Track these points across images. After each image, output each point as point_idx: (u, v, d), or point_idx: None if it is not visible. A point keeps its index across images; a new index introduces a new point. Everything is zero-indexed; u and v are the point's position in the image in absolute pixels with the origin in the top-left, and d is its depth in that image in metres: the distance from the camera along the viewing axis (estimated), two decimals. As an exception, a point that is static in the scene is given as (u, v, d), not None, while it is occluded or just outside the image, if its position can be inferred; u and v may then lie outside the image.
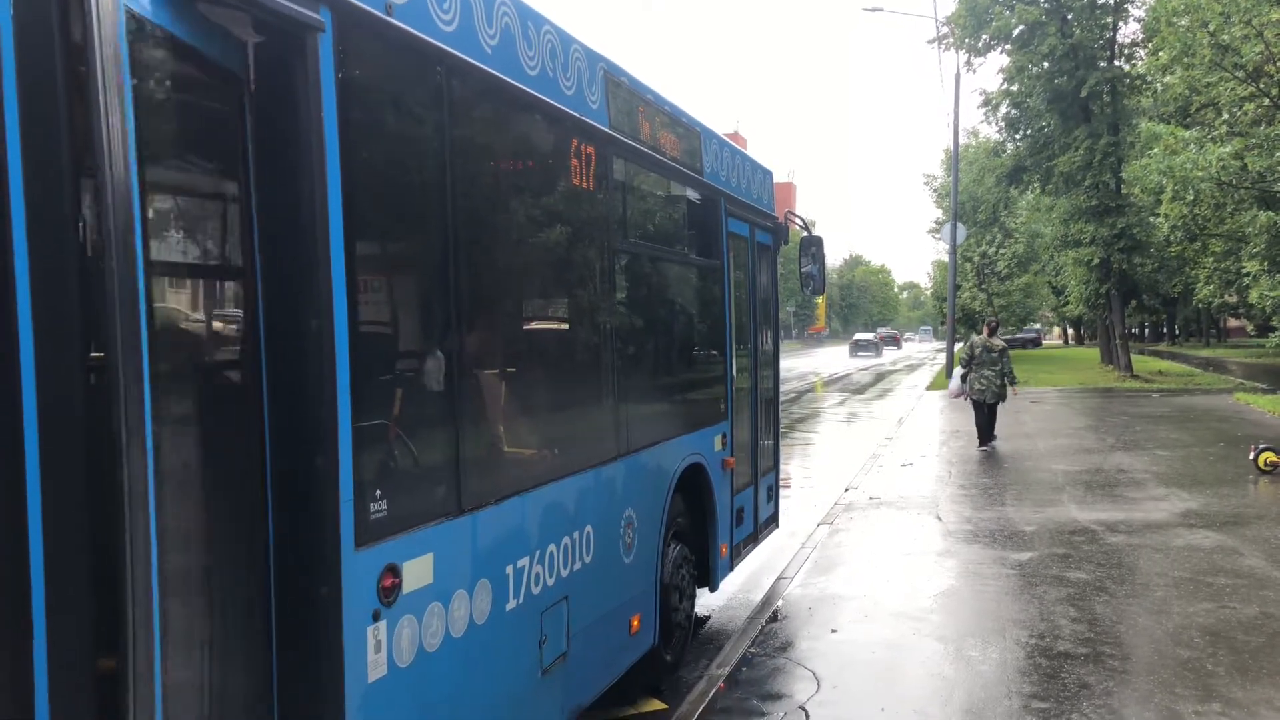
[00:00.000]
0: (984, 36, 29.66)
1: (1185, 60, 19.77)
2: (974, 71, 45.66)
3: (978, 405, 14.40)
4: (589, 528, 4.35)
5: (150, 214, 2.16)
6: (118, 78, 1.87)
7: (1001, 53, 30.47)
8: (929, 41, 32.30)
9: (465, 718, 3.32)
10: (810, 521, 9.95)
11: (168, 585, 2.08)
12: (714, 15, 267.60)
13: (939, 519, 9.49)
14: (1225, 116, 19.80)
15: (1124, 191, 28.01)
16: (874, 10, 30.56)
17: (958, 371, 15.06)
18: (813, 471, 13.14)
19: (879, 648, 5.87)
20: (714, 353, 6.53)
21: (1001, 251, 50.82)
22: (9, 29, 1.84)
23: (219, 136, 2.50)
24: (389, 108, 3.11)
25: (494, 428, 3.74)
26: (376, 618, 2.76)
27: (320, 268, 2.56)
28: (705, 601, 6.85)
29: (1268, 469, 11.44)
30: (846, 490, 11.38)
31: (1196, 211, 20.89)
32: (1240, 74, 18.94)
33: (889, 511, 10.00)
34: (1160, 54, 21.66)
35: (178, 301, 2.55)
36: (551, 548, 3.98)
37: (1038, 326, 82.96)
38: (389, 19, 2.90)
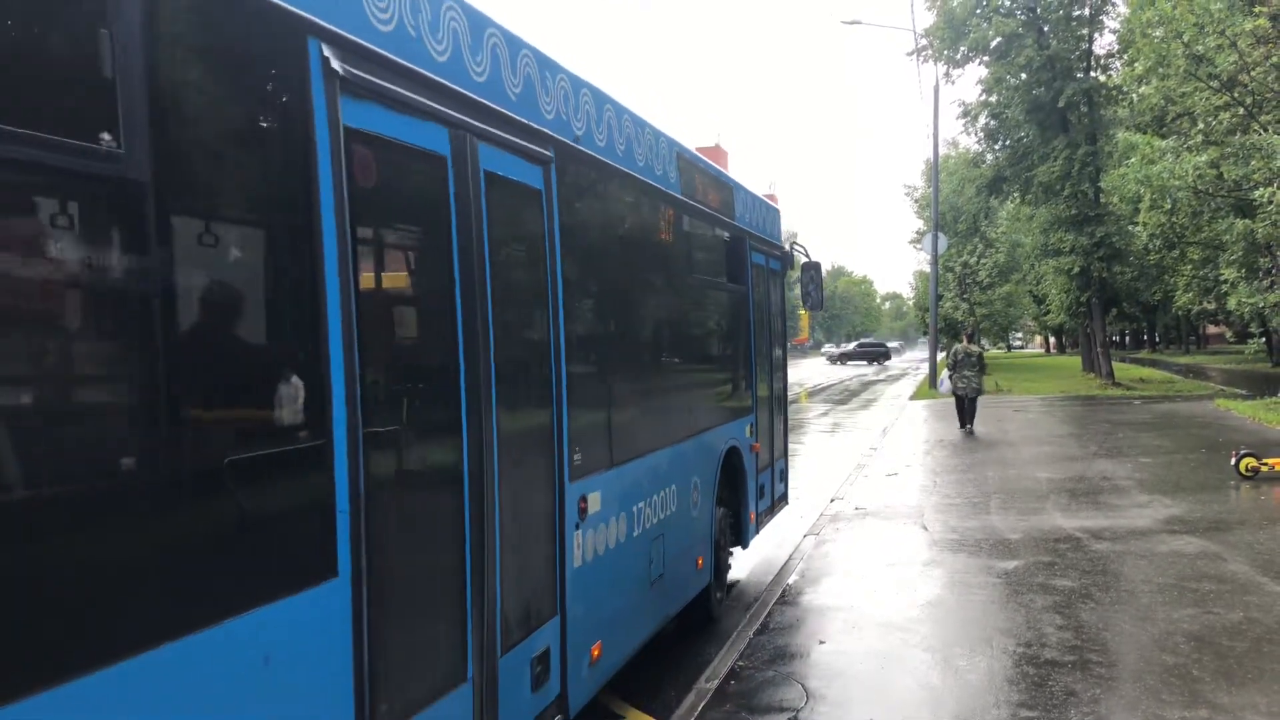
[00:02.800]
0: (962, 48, 29.92)
1: (1160, 71, 20.00)
2: (953, 83, 46.03)
3: (959, 399, 18.04)
4: (674, 486, 6.01)
5: (499, 289, 3.76)
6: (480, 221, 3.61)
7: (980, 64, 30.74)
8: (908, 54, 32.57)
9: (614, 602, 5.03)
10: (797, 533, 9.95)
11: (503, 507, 3.70)
12: (695, 28, 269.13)
13: (925, 528, 9.51)
14: (1201, 126, 20.02)
15: (1103, 200, 28.25)
16: (853, 23, 30.90)
17: (945, 373, 18.59)
18: (798, 482, 13.11)
19: (867, 658, 5.87)
20: (744, 359, 8.11)
21: (983, 261, 51.10)
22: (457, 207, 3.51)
23: (533, 238, 4.25)
24: (592, 202, 5.08)
25: (627, 413, 5.39)
26: (577, 528, 4.47)
27: (553, 315, 4.31)
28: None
29: (1249, 474, 11.53)
30: (832, 501, 11.39)
31: (1174, 220, 21.07)
32: (1215, 84, 19.16)
33: (875, 522, 10.01)
34: (1135, 65, 21.92)
35: (521, 338, 4.16)
36: (655, 497, 5.65)
37: (888, 342, 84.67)
38: (586, 150, 4.77)
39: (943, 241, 33.57)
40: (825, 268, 11.82)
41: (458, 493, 3.44)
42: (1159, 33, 19.28)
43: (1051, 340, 78.61)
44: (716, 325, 7.46)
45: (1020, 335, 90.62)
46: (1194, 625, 6.18)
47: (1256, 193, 16.81)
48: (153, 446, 2.24)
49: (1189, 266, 27.67)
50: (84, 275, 2.08)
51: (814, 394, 33.99)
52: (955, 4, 29.78)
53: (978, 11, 29.39)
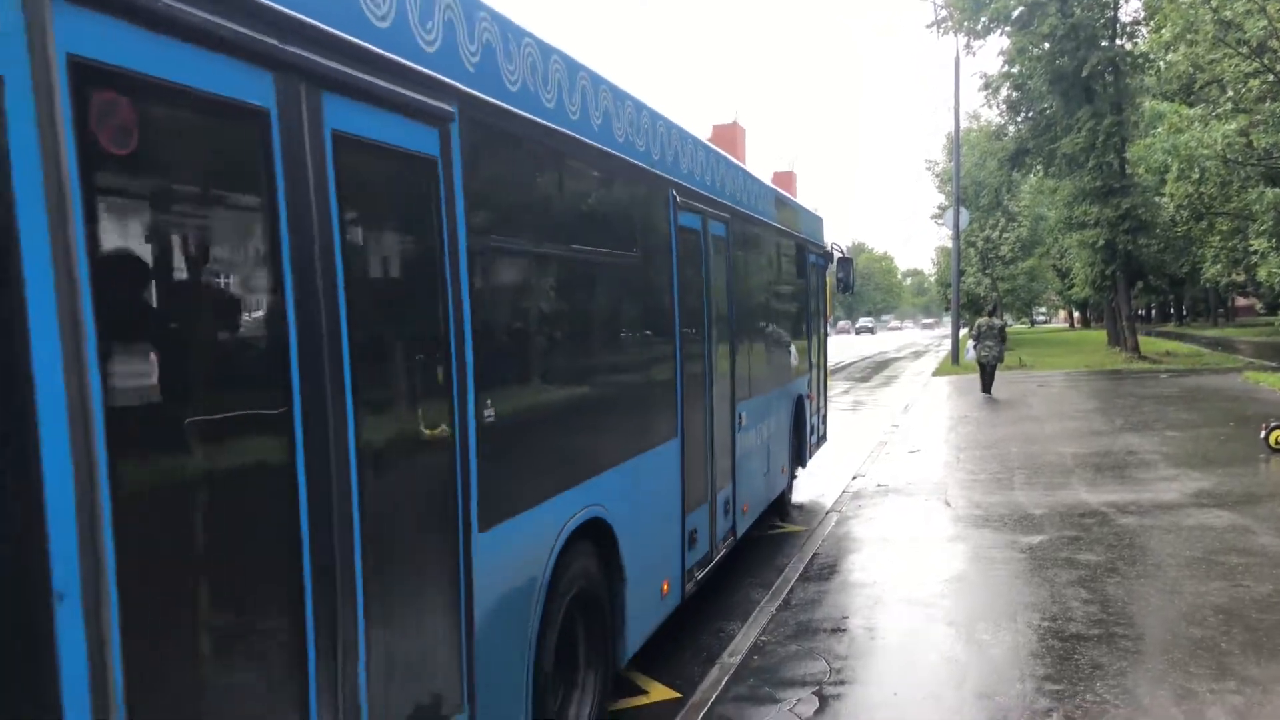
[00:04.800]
0: (983, 19, 29.49)
1: (1188, 37, 19.62)
2: (974, 55, 45.57)
3: (982, 366, 20.24)
4: (773, 417, 8.81)
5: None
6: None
7: (1001, 35, 30.30)
8: (928, 26, 32.11)
9: (753, 480, 7.84)
10: (820, 510, 9.93)
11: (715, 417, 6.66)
12: (711, 4, 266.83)
13: (948, 504, 9.46)
14: (1230, 93, 19.67)
15: (1128, 172, 27.84)
16: (873, -5, 30.41)
17: (970, 343, 21.21)
18: (821, 459, 13.09)
19: (891, 633, 5.85)
20: (806, 333, 11.03)
21: (1005, 235, 50.64)
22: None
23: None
24: (752, 245, 8.37)
25: (756, 368, 8.09)
26: (739, 431, 7.23)
27: (734, 307, 7.32)
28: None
29: (1278, 447, 11.38)
30: (855, 478, 11.35)
31: (1202, 190, 20.76)
32: (1244, 50, 18.79)
33: (898, 498, 9.97)
34: (1162, 31, 21.50)
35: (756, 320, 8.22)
36: (767, 420, 8.45)
37: (871, 321, 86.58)
38: (770, 221, 8.88)
39: (965, 216, 33.20)
40: (845, 244, 14.21)
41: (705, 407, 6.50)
42: (1186, -1, 18.94)
43: (1076, 315, 77.87)
44: (794, 309, 10.47)
45: (1044, 310, 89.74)
46: (1222, 598, 6.11)
47: (1287, 161, 16.51)
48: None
49: (1217, 237, 27.26)
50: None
51: (835, 371, 33.87)
52: (976, -27, 29.33)
53: (999, -20, 28.95)
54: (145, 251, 2.12)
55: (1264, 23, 17.80)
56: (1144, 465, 11.09)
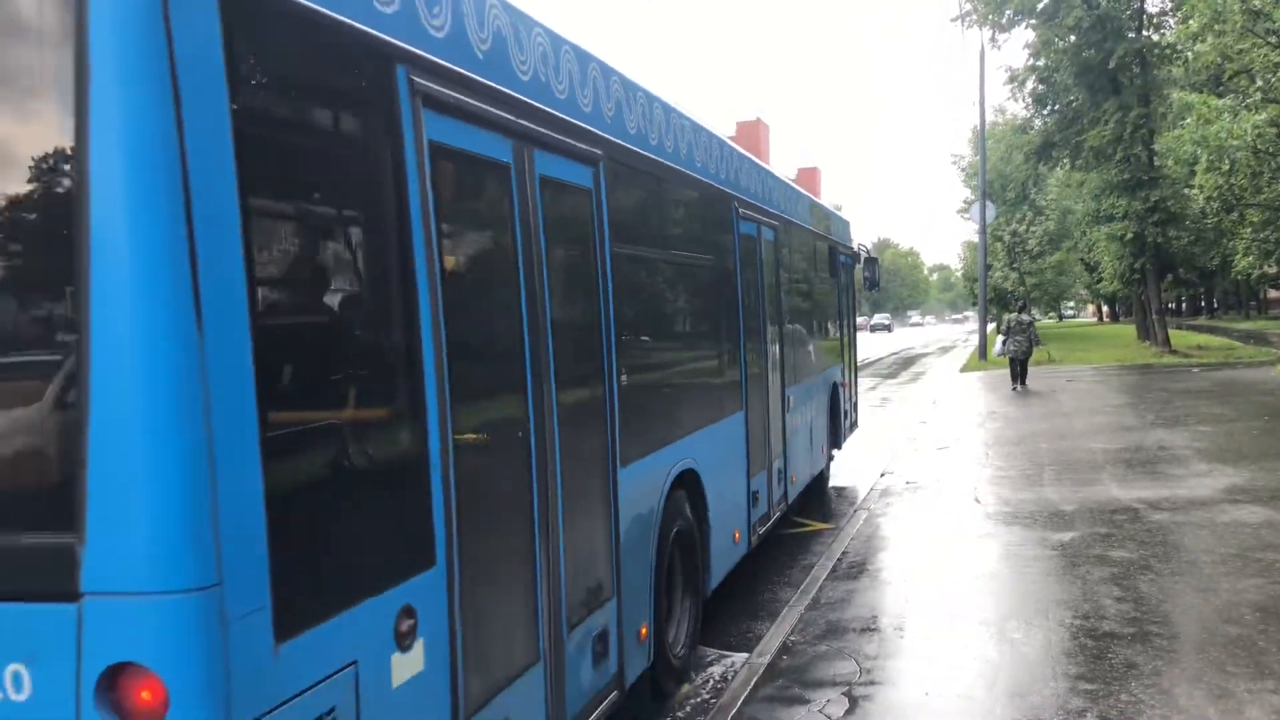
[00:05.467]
0: (1008, 12, 29.18)
1: (1216, 27, 19.35)
2: (999, 48, 45.11)
3: (1012, 360, 20.55)
4: (814, 400, 9.92)
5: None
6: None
7: (1026, 27, 29.98)
8: (952, 19, 31.87)
9: (799, 456, 8.79)
10: (848, 507, 9.90)
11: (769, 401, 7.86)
12: (737, 2, 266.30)
13: (977, 501, 9.40)
14: (1259, 83, 19.35)
15: (1157, 164, 27.49)
16: (895, -10, 30.18)
17: (1000, 339, 21.76)
18: (848, 456, 13.06)
19: (921, 633, 5.82)
20: (840, 326, 12.20)
21: (1032, 229, 50.11)
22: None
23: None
24: (795, 248, 9.44)
25: (800, 357, 9.19)
26: (786, 412, 8.31)
27: (780, 303, 8.40)
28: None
29: (1314, 441, 11.21)
30: (883, 475, 11.30)
31: (1233, 181, 20.49)
32: (1273, 39, 18.52)
33: (926, 495, 9.91)
34: (1190, 22, 21.20)
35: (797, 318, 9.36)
36: (809, 403, 9.52)
37: (886, 318, 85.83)
38: (808, 226, 10.22)
39: (991, 210, 32.93)
40: (871, 240, 17.06)
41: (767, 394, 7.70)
42: (1214, -12, 18.67)
43: (1104, 309, 76.99)
44: (829, 304, 11.53)
45: (1072, 304, 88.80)
46: (1259, 596, 6.03)
47: (1320, 151, 16.25)
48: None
49: (1248, 229, 26.86)
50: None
51: (861, 368, 33.59)
52: (1000, -33, 29.05)
53: (1024, -27, 28.66)
54: (462, 263, 3.37)
55: (1295, 11, 17.55)
56: (1176, 461, 10.96)
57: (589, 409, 4.26)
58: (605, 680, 4.27)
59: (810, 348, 9.95)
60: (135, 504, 1.98)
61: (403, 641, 2.65)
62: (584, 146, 4.19)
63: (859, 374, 14.58)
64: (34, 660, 2.03)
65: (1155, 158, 27.23)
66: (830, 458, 11.05)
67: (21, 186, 2.11)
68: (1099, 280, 50.31)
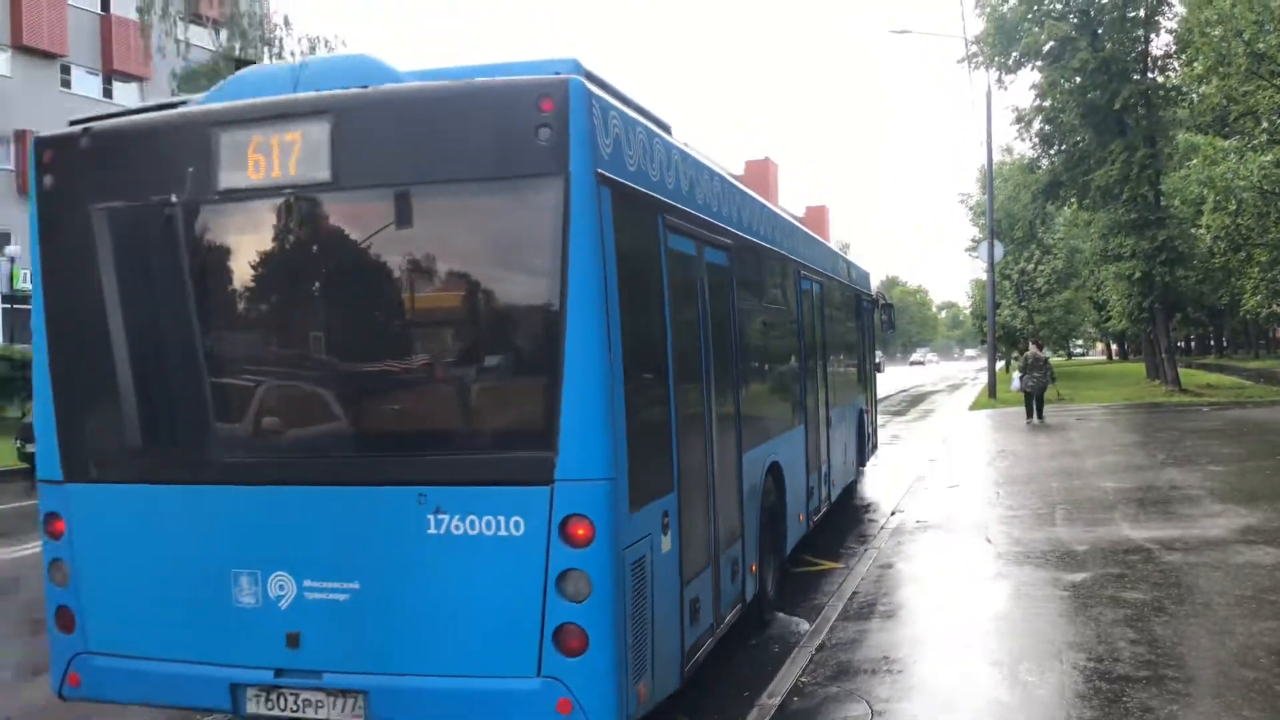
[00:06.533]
0: (1014, 54, 29.48)
1: (1221, 70, 19.55)
2: (1005, 89, 45.42)
3: (1028, 396, 21.93)
4: (847, 422, 11.96)
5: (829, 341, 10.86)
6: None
7: (1032, 69, 30.26)
8: (958, 61, 32.23)
9: (836, 467, 10.86)
10: (858, 546, 9.86)
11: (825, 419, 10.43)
12: (745, 42, 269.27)
13: (989, 541, 9.35)
14: (1265, 125, 19.50)
15: (1163, 204, 27.60)
16: (902, 32, 30.60)
17: (1016, 374, 23.40)
18: (859, 494, 13.02)
19: (933, 674, 5.78)
20: (863, 364, 14.21)
21: (1040, 268, 50.17)
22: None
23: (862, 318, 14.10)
24: (826, 292, 11.06)
25: (837, 385, 11.27)
26: (830, 424, 10.59)
27: (814, 344, 10.08)
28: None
29: (1327, 482, 11.14)
30: (893, 514, 11.26)
31: (1239, 221, 20.57)
32: (1279, 82, 18.66)
33: (938, 534, 9.87)
34: (1195, 65, 21.44)
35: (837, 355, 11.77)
36: (844, 425, 11.62)
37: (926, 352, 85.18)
38: (852, 284, 13.41)
39: (999, 249, 33.02)
40: (879, 278, 17.07)
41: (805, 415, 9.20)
42: (1218, 31, 18.87)
43: (1114, 347, 76.77)
44: (856, 342, 13.65)
45: (1081, 342, 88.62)
46: (1275, 639, 5.98)
47: (1327, 191, 16.32)
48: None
49: (1256, 269, 26.87)
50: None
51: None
52: (1005, 9, 29.39)
53: (1029, 16, 28.98)
54: (680, 313, 5.36)
55: (1299, 53, 17.71)
56: (1188, 500, 10.90)
57: (730, 410, 6.30)
58: (736, 592, 6.24)
59: (845, 378, 12.24)
60: (582, 439, 4.09)
61: (665, 529, 4.80)
62: (724, 240, 6.36)
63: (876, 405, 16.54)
64: (527, 513, 4.12)
65: (1162, 198, 27.34)
66: (860, 473, 13.52)
67: (534, 293, 4.31)
68: (1107, 319, 50.27)
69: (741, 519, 6.39)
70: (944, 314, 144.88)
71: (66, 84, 39.18)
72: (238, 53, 32.95)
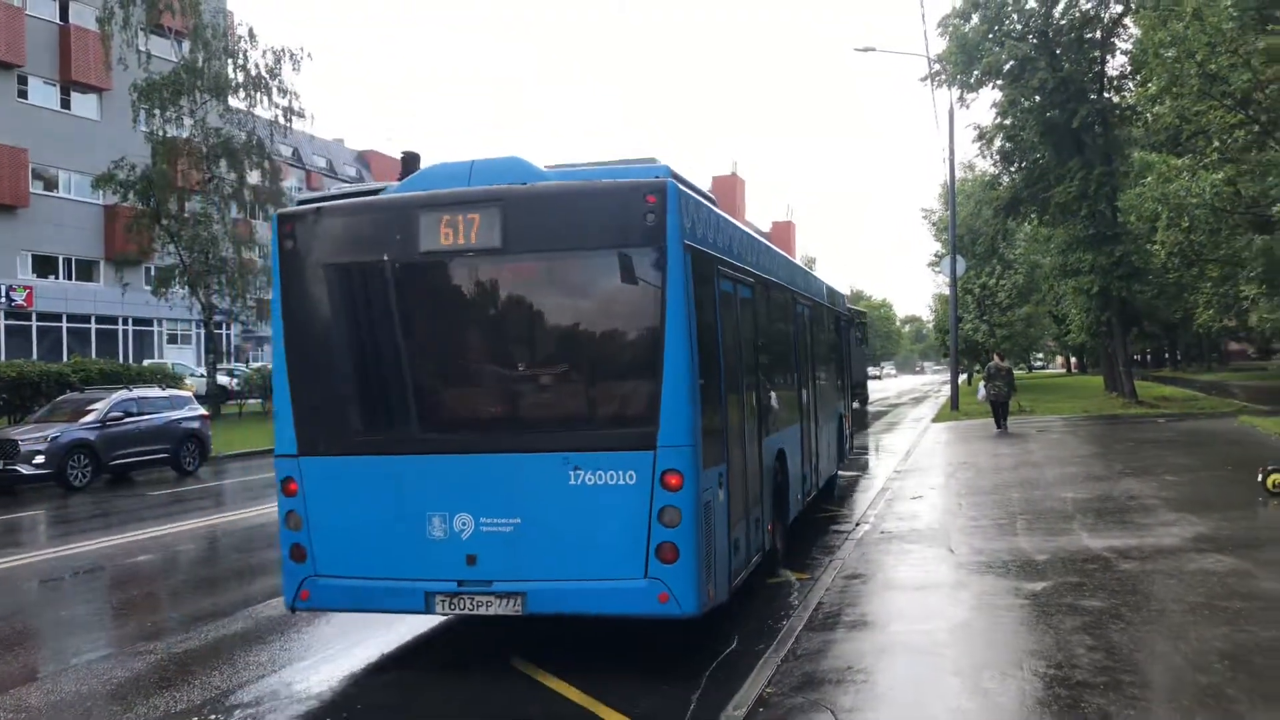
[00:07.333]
0: (975, 72, 30.07)
1: (1174, 90, 19.98)
2: (967, 107, 46.36)
3: (993, 404, 23.06)
4: (830, 424, 13.71)
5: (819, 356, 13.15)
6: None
7: (993, 88, 30.88)
8: (921, 79, 32.73)
9: (823, 459, 12.76)
10: (823, 556, 9.94)
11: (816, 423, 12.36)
12: (711, 58, 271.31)
13: (951, 551, 9.48)
14: (1216, 143, 19.97)
15: (1120, 220, 28.20)
16: (866, 50, 30.97)
17: (982, 384, 24.23)
18: (824, 506, 13.12)
19: (897, 684, 5.85)
20: (842, 374, 15.83)
21: (1001, 283, 50.97)
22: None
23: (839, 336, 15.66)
24: (818, 315, 13.49)
25: (824, 392, 13.22)
26: (818, 424, 12.42)
27: (803, 360, 11.83)
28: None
29: (1276, 491, 11.42)
30: (858, 525, 11.36)
31: (1193, 237, 21.03)
32: (1229, 102, 19.16)
33: (902, 545, 9.98)
34: (1149, 85, 21.93)
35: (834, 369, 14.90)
36: (828, 426, 13.41)
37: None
38: (834, 307, 15.29)
39: (961, 264, 33.50)
40: (846, 292, 18.79)
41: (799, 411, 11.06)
42: (1171, 53, 19.32)
43: (1073, 360, 78.03)
44: (836, 356, 15.13)
45: (1040, 356, 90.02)
46: (1227, 644, 6.13)
47: (1275, 209, 16.78)
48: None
49: (1208, 284, 27.51)
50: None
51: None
52: (967, 29, 29.96)
53: (990, 36, 29.56)
54: (727, 332, 7.41)
55: (1248, 75, 18.19)
56: (1144, 510, 11.12)
57: (754, 407, 8.31)
58: (759, 543, 8.20)
59: (829, 386, 14.00)
60: (675, 419, 6.10)
61: (720, 485, 6.77)
62: (749, 279, 8.37)
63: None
64: (638, 469, 6.08)
65: (1118, 214, 27.93)
66: (838, 469, 15.14)
67: (642, 323, 6.33)
68: (1067, 332, 51.13)
69: (761, 488, 8.45)
70: (907, 328, 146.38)
71: (23, 94, 38.52)
72: (200, 64, 32.59)
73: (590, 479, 6.15)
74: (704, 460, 6.31)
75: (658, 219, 6.13)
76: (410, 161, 17.38)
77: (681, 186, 6.39)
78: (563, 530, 6.20)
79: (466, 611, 6.37)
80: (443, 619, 7.89)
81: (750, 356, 8.25)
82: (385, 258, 6.58)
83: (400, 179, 7.60)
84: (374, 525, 6.50)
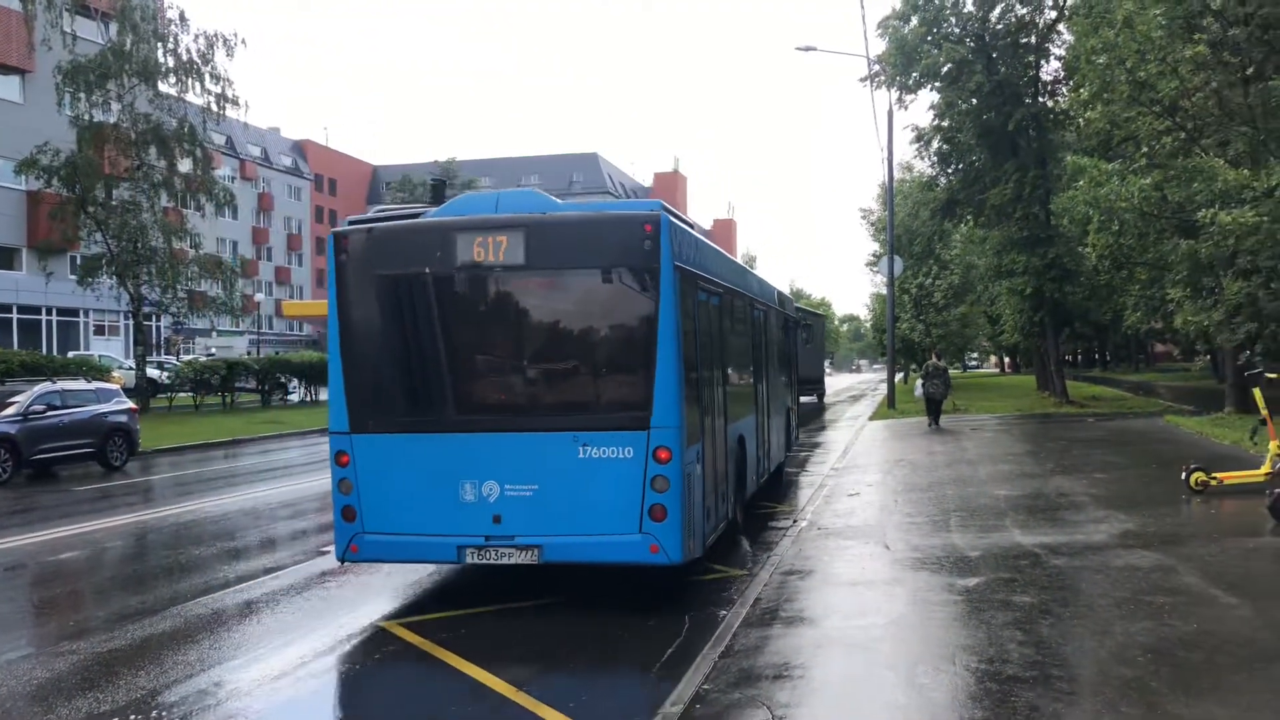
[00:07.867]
0: (914, 74, 30.44)
1: (1105, 96, 20.42)
2: (906, 108, 46.98)
3: (929, 400, 24.09)
4: (780, 416, 15.26)
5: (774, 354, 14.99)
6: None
7: (932, 90, 31.29)
8: (861, 79, 33.15)
9: (774, 445, 14.32)
10: (761, 552, 9.98)
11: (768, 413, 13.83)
12: (652, 55, 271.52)
13: (887, 547, 9.59)
14: (1144, 149, 20.46)
15: (1053, 222, 28.80)
16: (807, 50, 31.21)
17: (919, 381, 26.42)
18: (762, 502, 13.18)
19: (833, 679, 5.89)
20: (790, 370, 17.32)
21: (938, 283, 51.81)
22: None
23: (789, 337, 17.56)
24: (771, 317, 15.08)
25: (775, 387, 14.69)
26: (770, 414, 13.92)
27: (759, 357, 13.48)
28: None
29: (1199, 489, 11.78)
30: (795, 522, 11.44)
31: (1122, 241, 21.52)
32: (1157, 109, 19.66)
33: (838, 541, 10.07)
34: (1081, 91, 22.41)
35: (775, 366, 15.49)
36: (778, 418, 15.00)
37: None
38: (784, 310, 17.11)
39: (899, 264, 33.99)
40: (786, 289, 19.76)
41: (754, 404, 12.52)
42: (1103, 59, 19.75)
43: (1006, 360, 79.75)
44: (786, 355, 16.54)
45: (975, 355, 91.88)
46: (1150, 638, 6.29)
47: (1199, 214, 17.24)
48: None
49: (1137, 286, 28.22)
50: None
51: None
52: (906, 31, 30.32)
53: (928, 38, 29.95)
54: (717, 336, 9.85)
55: (1176, 83, 18.68)
56: (1074, 507, 11.38)
57: (722, 397, 9.66)
58: (724, 512, 9.58)
59: (780, 382, 15.40)
60: (664, 405, 7.56)
61: (698, 460, 8.18)
62: (718, 289, 9.73)
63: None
64: (635, 445, 7.53)
65: (1051, 217, 28.52)
66: (786, 458, 16.48)
67: (639, 327, 7.79)
68: (1001, 332, 52.16)
69: (727, 466, 9.81)
70: (845, 327, 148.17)
71: (-59, 74, 36.99)
72: (129, 47, 31.58)
73: (595, 453, 7.54)
74: (687, 439, 7.74)
75: (653, 244, 7.54)
76: (438, 188, 22.31)
77: (672, 218, 7.86)
78: (572, 495, 7.58)
79: (491, 561, 7.69)
80: (372, 620, 7.95)
81: (720, 355, 9.84)
82: (427, 270, 7.91)
83: (432, 203, 9.78)
84: (414, 491, 7.79)
